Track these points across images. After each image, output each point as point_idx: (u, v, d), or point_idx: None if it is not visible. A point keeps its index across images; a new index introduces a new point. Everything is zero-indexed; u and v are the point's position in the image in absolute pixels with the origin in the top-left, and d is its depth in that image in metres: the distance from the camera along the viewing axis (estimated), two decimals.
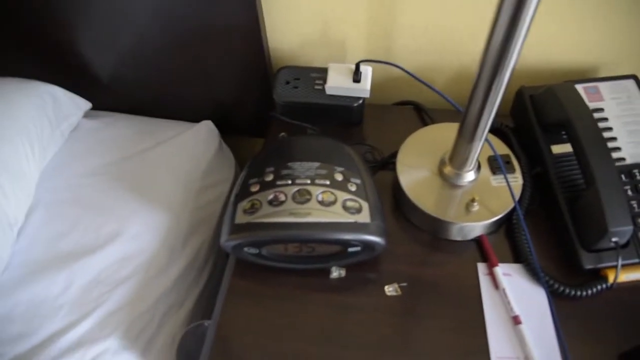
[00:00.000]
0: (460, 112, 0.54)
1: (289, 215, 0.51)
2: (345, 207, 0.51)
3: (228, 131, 0.88)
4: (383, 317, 0.53)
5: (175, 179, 0.74)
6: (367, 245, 0.52)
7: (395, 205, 0.63)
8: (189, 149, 0.78)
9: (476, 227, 0.58)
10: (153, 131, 0.81)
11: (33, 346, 0.58)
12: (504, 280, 0.54)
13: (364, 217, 0.51)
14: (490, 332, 0.52)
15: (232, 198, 0.55)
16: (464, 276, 0.56)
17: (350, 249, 0.52)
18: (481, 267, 0.57)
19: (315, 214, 0.51)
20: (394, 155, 0.64)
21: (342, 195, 0.52)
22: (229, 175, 0.83)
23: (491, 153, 0.61)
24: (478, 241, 0.59)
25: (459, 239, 0.59)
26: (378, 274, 0.56)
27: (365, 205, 0.52)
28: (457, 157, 0.58)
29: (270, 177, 0.54)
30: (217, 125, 0.84)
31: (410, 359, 0.50)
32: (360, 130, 0.72)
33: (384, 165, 0.67)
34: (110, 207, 0.69)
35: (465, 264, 0.57)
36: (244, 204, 0.53)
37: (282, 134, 0.67)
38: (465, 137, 0.54)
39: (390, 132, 0.69)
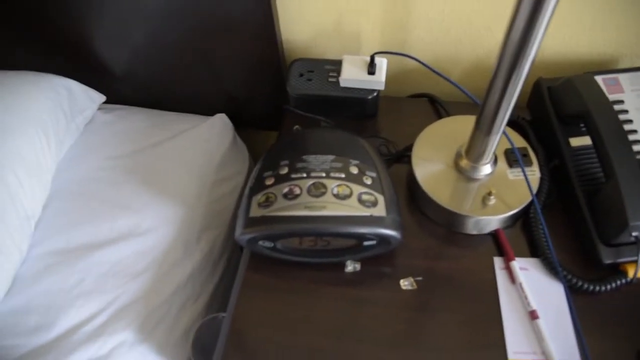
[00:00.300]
0: (477, 105, 0.53)
1: (304, 208, 0.50)
2: (360, 201, 0.51)
3: (242, 124, 0.88)
4: (398, 312, 0.53)
5: (189, 172, 0.74)
6: (383, 239, 0.51)
7: (411, 199, 0.62)
8: (203, 142, 0.78)
9: (492, 221, 0.57)
10: (167, 124, 0.81)
11: (52, 338, 0.58)
12: (520, 275, 0.54)
13: (380, 210, 0.51)
14: (506, 326, 0.51)
15: (246, 191, 0.55)
16: (480, 270, 0.55)
17: (366, 243, 0.52)
18: (497, 261, 0.56)
19: (330, 208, 0.50)
20: (409, 148, 0.64)
21: (357, 189, 0.52)
22: (243, 169, 0.84)
23: (508, 146, 0.60)
24: (494, 235, 0.58)
25: (474, 232, 0.58)
26: (393, 268, 0.56)
27: (380, 199, 0.52)
28: (473, 150, 0.57)
29: (285, 170, 0.54)
30: (230, 119, 0.84)
31: (425, 353, 0.50)
32: (374, 123, 0.71)
33: (399, 158, 0.66)
34: (125, 200, 0.69)
35: (481, 258, 0.56)
36: (259, 197, 0.53)
37: (296, 126, 0.67)
38: (483, 129, 0.53)
39: (405, 125, 0.69)
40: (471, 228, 0.58)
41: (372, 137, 0.68)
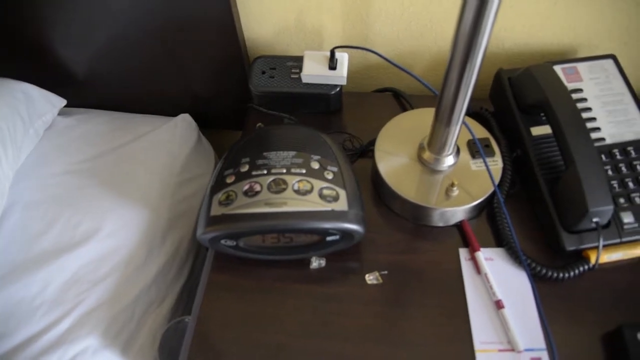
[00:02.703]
0: (436, 95, 0.53)
1: (264, 205, 0.50)
2: (321, 196, 0.50)
3: (207, 124, 0.86)
4: (365, 307, 0.52)
5: (152, 174, 0.72)
6: (346, 234, 0.51)
7: (376, 193, 0.62)
8: (166, 143, 0.76)
9: (457, 212, 0.57)
10: (129, 126, 0.79)
11: (11, 347, 0.56)
12: (485, 265, 0.54)
13: (341, 205, 0.50)
14: (473, 317, 0.51)
15: (207, 190, 0.54)
16: (446, 262, 0.55)
17: (329, 238, 0.52)
18: (463, 253, 0.56)
19: (291, 204, 0.50)
20: (372, 142, 0.64)
21: (318, 184, 0.51)
22: (208, 169, 0.82)
23: (470, 137, 0.60)
24: (459, 226, 0.58)
25: (440, 224, 0.58)
26: (359, 263, 0.55)
27: (342, 193, 0.51)
28: (435, 141, 0.57)
29: (245, 168, 0.53)
30: (195, 119, 0.83)
31: (393, 347, 0.49)
32: (339, 119, 0.71)
33: (363, 153, 0.66)
34: (87, 205, 0.67)
35: (447, 250, 0.56)
36: (220, 195, 0.52)
37: (259, 124, 0.66)
38: (442, 121, 0.53)
39: (370, 120, 0.68)
40: (436, 220, 0.58)
41: (337, 132, 0.68)
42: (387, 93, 0.74)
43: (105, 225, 0.65)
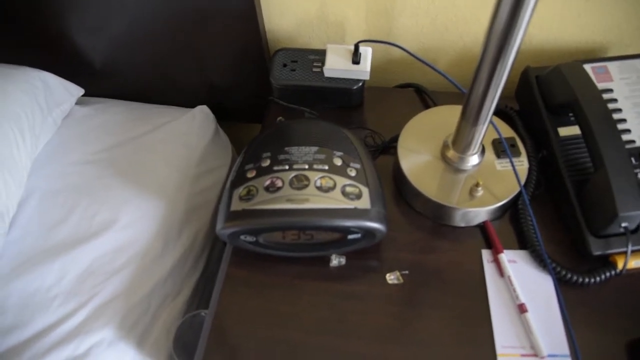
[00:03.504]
0: (464, 94, 0.52)
1: (286, 201, 0.49)
2: (344, 193, 0.49)
3: (225, 117, 0.86)
4: (384, 306, 0.51)
5: (170, 165, 0.72)
6: (368, 232, 0.50)
7: (397, 191, 0.61)
8: (184, 135, 0.76)
9: (480, 213, 0.56)
10: (147, 117, 0.78)
11: (26, 338, 0.56)
12: (509, 267, 0.53)
13: (364, 203, 0.49)
14: (495, 321, 0.50)
15: (227, 184, 0.53)
16: (467, 263, 0.54)
17: (350, 236, 0.51)
18: (485, 254, 0.55)
19: (313, 200, 0.49)
20: (395, 139, 0.62)
21: (341, 181, 0.50)
22: (225, 162, 0.81)
23: (496, 136, 0.59)
24: (482, 227, 0.57)
25: (462, 225, 0.57)
26: (379, 262, 0.54)
27: (365, 191, 0.50)
28: (460, 140, 0.56)
29: (266, 163, 0.52)
30: (213, 111, 0.82)
31: (412, 349, 0.49)
32: (360, 114, 0.70)
33: (384, 150, 0.65)
34: (104, 196, 0.67)
35: (469, 251, 0.55)
36: (240, 190, 0.51)
37: (280, 118, 0.65)
38: (469, 119, 0.52)
39: (391, 116, 0.67)
40: (459, 220, 0.57)
41: (358, 128, 0.67)
42: (409, 89, 0.73)
43: (122, 216, 0.65)
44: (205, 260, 0.72)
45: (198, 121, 0.78)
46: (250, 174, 0.52)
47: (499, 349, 0.48)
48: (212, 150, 0.78)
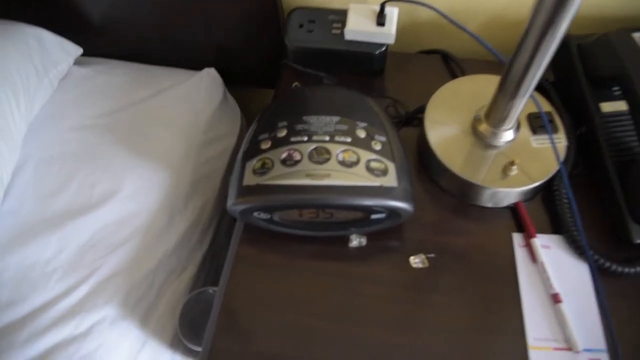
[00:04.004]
0: (501, 62, 0.47)
1: (305, 177, 0.44)
2: (369, 169, 0.45)
3: (233, 81, 0.80)
4: (407, 292, 0.48)
5: (175, 132, 0.67)
6: (393, 212, 0.46)
7: (421, 167, 0.56)
8: (190, 100, 0.71)
9: (512, 193, 0.51)
10: (150, 79, 0.73)
11: (23, 315, 0.53)
12: (542, 253, 0.49)
13: (390, 180, 0.45)
14: (526, 311, 0.46)
15: (239, 156, 0.49)
16: (497, 247, 0.50)
17: (374, 216, 0.47)
18: (517, 238, 0.51)
19: (335, 176, 0.44)
20: (420, 109, 0.58)
21: (365, 155, 0.46)
22: (234, 129, 0.77)
23: (531, 110, 0.54)
24: (513, 209, 0.53)
25: (491, 205, 0.53)
26: (402, 243, 0.51)
27: (391, 167, 0.46)
28: (495, 114, 0.51)
29: (283, 133, 0.48)
30: (221, 74, 0.76)
31: (437, 338, 0.45)
32: (381, 81, 0.64)
33: (408, 121, 0.60)
34: (105, 164, 0.62)
35: (499, 234, 0.51)
36: (254, 162, 0.46)
37: (296, 83, 0.60)
38: (507, 92, 0.47)
39: (415, 84, 0.62)
40: (488, 200, 0.53)
41: (379, 96, 0.62)
42: (434, 55, 0.67)
43: (124, 186, 0.61)
44: (212, 234, 0.69)
45: (205, 85, 0.73)
46: (264, 145, 0.47)
47: (530, 341, 0.45)
48: (220, 116, 0.73)
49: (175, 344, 0.59)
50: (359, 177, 0.44)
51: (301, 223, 0.49)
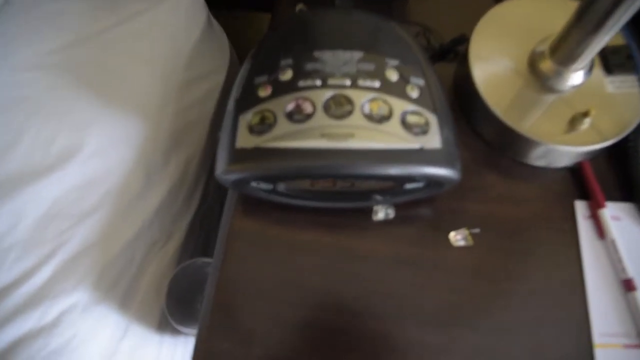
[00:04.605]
0: None
1: (320, 137, 0.33)
2: (405, 124, 0.34)
3: (219, 3, 0.65)
4: (448, 278, 0.38)
5: (148, 70, 0.54)
6: (435, 181, 0.35)
7: (459, 114, 0.45)
8: (167, 28, 0.57)
9: (577, 152, 0.41)
10: (116, 3, 0.58)
11: None
12: (613, 229, 0.39)
13: (433, 139, 0.34)
14: (592, 299, 0.38)
15: (230, 105, 0.37)
16: (555, 219, 0.41)
17: (408, 186, 0.36)
18: (580, 208, 0.41)
19: (360, 136, 0.33)
20: (460, 40, 0.46)
21: (400, 105, 0.34)
22: (222, 65, 0.64)
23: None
24: (575, 170, 0.42)
25: (547, 165, 0.42)
26: (439, 215, 0.40)
27: (433, 121, 0.35)
28: (564, 49, 0.39)
29: (287, 75, 0.36)
30: None
31: (484, 335, 0.37)
32: (403, 4, 0.51)
33: (442, 55, 0.47)
34: (63, 113, 0.50)
35: (557, 201, 0.41)
36: (250, 116, 0.35)
37: (300, 6, 0.47)
38: (587, 23, 0.35)
39: (450, 7, 0.50)
40: (545, 159, 0.42)
41: (403, 22, 0.49)
42: None
43: (88, 141, 0.49)
44: (200, 194, 0.58)
45: (184, 8, 0.58)
46: (263, 92, 0.36)
47: (596, 338, 0.37)
48: (204, 48, 0.60)
49: (163, 326, 0.51)
50: (392, 137, 0.33)
51: (312, 193, 0.38)
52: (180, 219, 0.55)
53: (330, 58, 0.36)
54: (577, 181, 0.42)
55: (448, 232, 0.39)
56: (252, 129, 0.34)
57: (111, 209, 0.48)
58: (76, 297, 0.45)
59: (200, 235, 0.59)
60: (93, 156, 0.49)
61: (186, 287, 0.52)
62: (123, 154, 0.50)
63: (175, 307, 0.51)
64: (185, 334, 0.53)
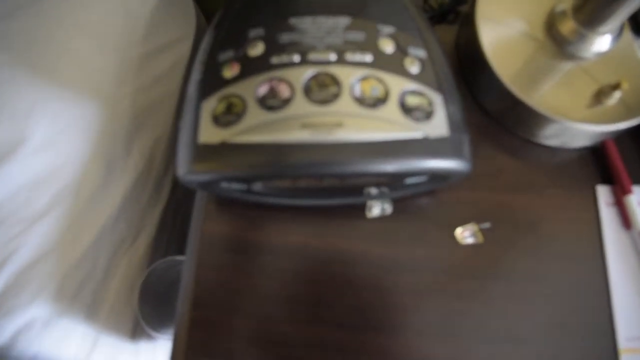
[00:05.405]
0: None
1: (300, 128, 0.27)
2: (405, 108, 0.28)
3: None
4: (455, 281, 0.33)
5: (98, 42, 0.46)
6: (440, 175, 0.30)
7: (461, 85, 0.39)
8: None
9: (602, 130, 0.35)
10: None
11: None
12: None
13: (438, 125, 0.28)
14: (616, 300, 0.33)
15: (190, 88, 0.30)
16: (574, 207, 0.36)
17: (409, 180, 0.30)
18: (603, 193, 0.36)
19: (350, 125, 0.27)
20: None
21: (398, 84, 0.28)
22: (187, 31, 0.55)
23: None
24: (597, 150, 0.37)
25: (566, 145, 0.37)
26: (443, 208, 0.35)
27: (438, 102, 0.28)
28: (593, 7, 0.33)
29: (258, 49, 0.29)
30: None
31: (492, 346, 0.32)
32: None
33: (442, 17, 0.41)
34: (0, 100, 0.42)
35: (576, 187, 0.36)
36: (214, 103, 0.28)
37: None
38: None
39: None
40: (563, 138, 0.36)
41: None
42: None
43: (31, 132, 0.41)
44: (170, 183, 0.52)
45: None
46: (229, 71, 0.29)
47: (622, 342, 0.32)
48: (164, 13, 0.52)
49: (138, 332, 0.46)
50: (389, 125, 0.27)
51: (295, 191, 0.32)
52: (149, 213, 0.49)
53: (310, 26, 0.29)
54: (599, 163, 0.37)
55: (454, 229, 0.34)
56: (217, 120, 0.28)
57: (67, 209, 0.42)
58: (34, 312, 0.39)
59: (174, 228, 0.53)
60: (39, 150, 0.41)
61: (160, 288, 0.47)
62: (75, 144, 0.43)
63: (149, 311, 0.46)
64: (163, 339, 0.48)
